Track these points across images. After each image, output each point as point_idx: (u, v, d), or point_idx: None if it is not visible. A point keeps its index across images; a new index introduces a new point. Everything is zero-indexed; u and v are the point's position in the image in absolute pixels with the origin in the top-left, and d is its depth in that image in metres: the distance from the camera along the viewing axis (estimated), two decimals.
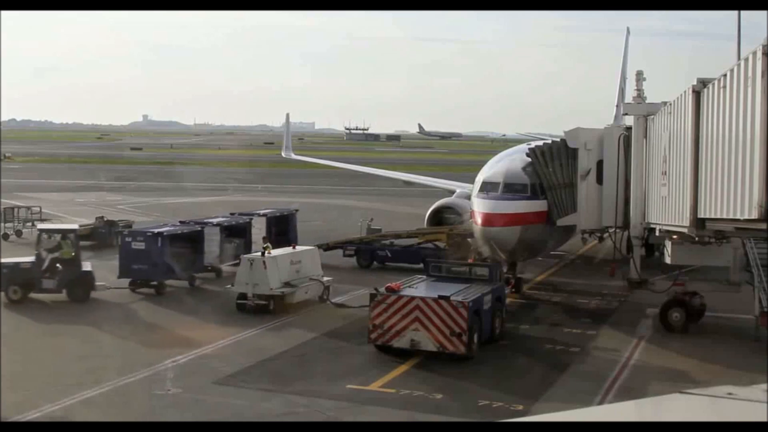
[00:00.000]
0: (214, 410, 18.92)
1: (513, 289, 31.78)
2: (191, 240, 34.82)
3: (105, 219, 46.51)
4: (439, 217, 41.33)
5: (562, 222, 31.37)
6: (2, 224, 45.73)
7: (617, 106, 56.17)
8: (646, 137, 29.60)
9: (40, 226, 36.68)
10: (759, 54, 16.76)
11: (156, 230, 33.88)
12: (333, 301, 30.79)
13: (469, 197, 34.69)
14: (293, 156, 75.31)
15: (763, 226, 17.38)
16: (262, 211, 41.64)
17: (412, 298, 23.62)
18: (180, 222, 37.52)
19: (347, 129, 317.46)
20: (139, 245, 32.23)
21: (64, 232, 31.96)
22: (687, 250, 26.60)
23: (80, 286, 30.44)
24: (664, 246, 28.40)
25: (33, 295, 30.28)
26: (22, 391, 19.94)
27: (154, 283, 32.13)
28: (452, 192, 47.36)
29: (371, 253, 39.32)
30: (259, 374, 21.99)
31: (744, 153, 17.59)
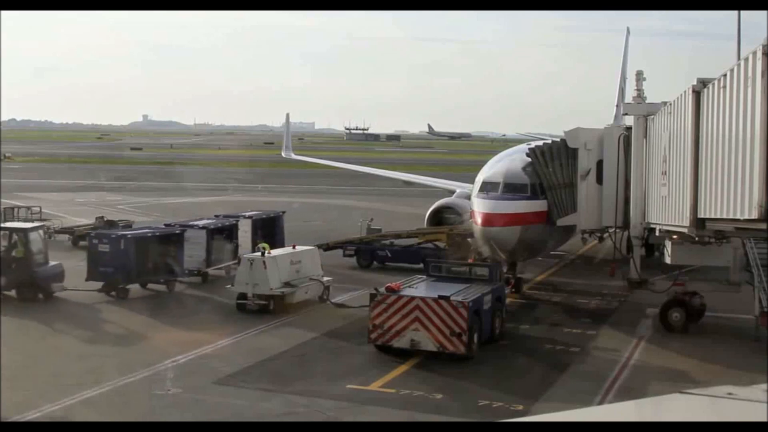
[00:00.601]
0: (214, 410, 18.92)
1: (513, 289, 31.79)
2: (167, 243, 33.71)
3: (105, 219, 46.55)
4: (439, 217, 41.33)
5: (562, 222, 31.37)
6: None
7: (617, 106, 56.16)
8: (646, 137, 29.60)
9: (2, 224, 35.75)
10: (759, 54, 16.76)
11: (122, 233, 33.42)
12: (333, 301, 30.79)
13: (469, 197, 34.69)
14: (293, 156, 75.32)
15: (763, 226, 17.38)
16: (247, 214, 40.59)
17: (412, 298, 23.62)
18: (165, 224, 36.97)
19: (347, 129, 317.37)
20: (104, 247, 31.60)
21: (16, 231, 31.45)
22: (687, 250, 26.60)
23: (31, 286, 30.16)
24: (664, 246, 28.41)
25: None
26: None
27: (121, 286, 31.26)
28: (452, 192, 47.36)
29: (371, 253, 39.32)
30: (259, 374, 21.99)
31: (744, 153, 17.59)
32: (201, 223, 36.44)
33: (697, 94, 22.01)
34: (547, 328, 28.04)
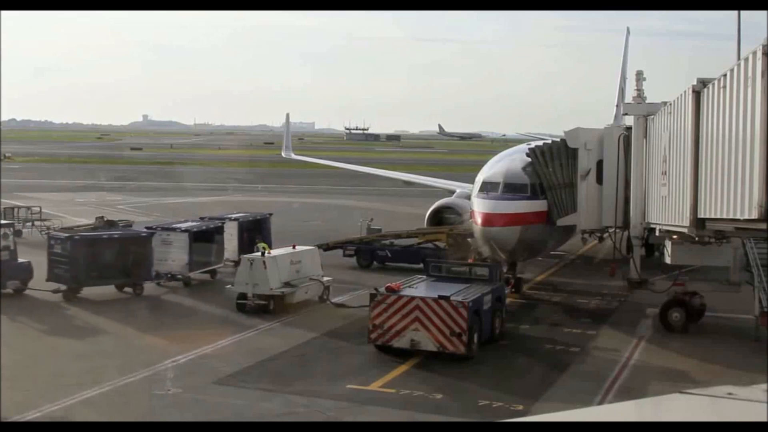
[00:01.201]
0: (214, 410, 18.92)
1: (513, 289, 31.78)
2: (132, 245, 32.91)
3: (105, 219, 46.52)
4: (439, 217, 41.32)
5: (562, 222, 31.37)
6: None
7: (617, 106, 56.16)
8: (646, 137, 29.60)
9: None
10: (759, 54, 16.76)
11: (77, 234, 33.01)
12: (333, 301, 30.79)
13: (469, 197, 34.68)
14: (293, 156, 75.33)
15: (763, 226, 17.38)
16: (234, 215, 39.81)
17: (412, 298, 23.62)
18: (146, 228, 36.46)
19: (347, 129, 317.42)
20: (57, 248, 31.46)
21: None
22: (687, 250, 26.60)
23: None
24: (664, 246, 28.40)
25: None
26: None
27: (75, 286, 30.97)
28: (452, 192, 47.36)
29: (371, 253, 39.31)
30: (259, 374, 21.98)
31: (744, 153, 17.59)
32: (183, 225, 35.49)
33: (697, 94, 22.01)
34: (547, 328, 28.03)
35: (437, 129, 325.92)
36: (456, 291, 24.49)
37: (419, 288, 25.59)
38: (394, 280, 26.03)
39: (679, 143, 23.93)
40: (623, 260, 32.11)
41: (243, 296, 29.26)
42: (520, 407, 19.49)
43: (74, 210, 58.26)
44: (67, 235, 32.75)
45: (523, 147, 34.95)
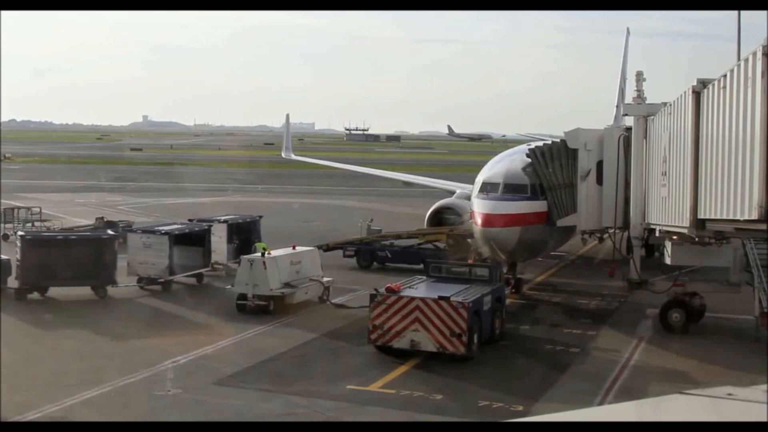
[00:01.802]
0: (214, 410, 18.92)
1: (513, 290, 31.79)
2: (92, 247, 32.35)
3: (105, 219, 46.53)
4: (439, 217, 41.32)
5: (562, 222, 31.37)
6: (2, 225, 45.67)
7: (617, 106, 56.14)
8: (646, 138, 29.59)
9: None
10: (759, 54, 16.76)
11: (29, 234, 32.76)
12: (333, 301, 30.79)
13: (469, 198, 34.69)
14: (293, 156, 75.33)
15: (763, 226, 17.37)
16: (223, 217, 38.85)
17: (412, 298, 23.62)
18: (126, 228, 35.94)
19: (347, 129, 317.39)
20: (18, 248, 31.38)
21: None
22: (687, 251, 26.60)
23: None
24: (664, 246, 28.40)
25: None
26: None
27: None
28: (452, 192, 47.35)
29: (371, 254, 39.31)
30: (259, 375, 21.99)
31: (744, 153, 17.59)
32: (164, 228, 34.73)
33: (697, 94, 22.01)
34: (547, 329, 28.03)
35: (436, 129, 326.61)
36: (456, 292, 24.49)
37: (419, 288, 25.59)
38: (394, 281, 26.04)
39: (679, 144, 23.93)
40: (623, 261, 32.10)
41: (243, 297, 29.27)
42: (520, 408, 19.49)
43: (74, 210, 58.24)
44: (21, 234, 32.63)
45: (523, 147, 34.96)
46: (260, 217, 40.55)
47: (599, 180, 31.36)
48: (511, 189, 30.57)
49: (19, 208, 49.44)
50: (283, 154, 74.35)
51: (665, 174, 25.77)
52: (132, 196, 74.02)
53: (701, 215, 21.80)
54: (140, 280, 32.92)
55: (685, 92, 23.05)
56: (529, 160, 31.42)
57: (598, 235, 35.14)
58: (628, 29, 67.44)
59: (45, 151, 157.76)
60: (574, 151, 31.56)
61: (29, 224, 46.57)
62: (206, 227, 36.29)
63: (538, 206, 30.65)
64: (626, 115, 32.01)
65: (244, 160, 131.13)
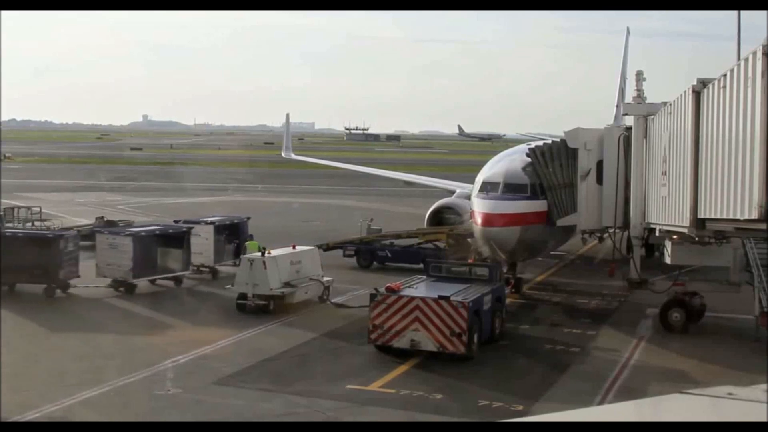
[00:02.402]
0: (213, 410, 18.91)
1: (513, 289, 31.79)
2: (33, 247, 31.78)
3: (105, 219, 46.54)
4: (439, 217, 41.32)
5: (562, 222, 31.36)
6: (2, 224, 45.67)
7: (617, 106, 56.13)
8: (646, 137, 29.58)
9: None
10: (759, 54, 16.76)
11: None
12: (333, 301, 30.78)
13: (469, 197, 34.68)
14: (293, 156, 75.36)
15: (763, 226, 17.37)
16: (210, 219, 37.68)
17: (412, 298, 23.62)
18: (96, 229, 35.45)
19: (347, 129, 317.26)
20: None
21: None
22: (687, 251, 26.59)
23: None
24: (664, 246, 28.40)
25: None
26: None
27: None
28: (452, 192, 47.36)
29: (371, 254, 39.31)
30: (259, 374, 21.98)
31: (744, 153, 17.59)
32: (132, 229, 34.11)
33: (697, 94, 22.01)
34: (547, 329, 28.03)
35: (436, 129, 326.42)
36: (456, 291, 24.49)
37: (419, 288, 25.58)
38: (394, 280, 26.03)
39: (679, 143, 23.93)
40: (623, 260, 32.08)
41: (243, 296, 29.27)
42: (520, 407, 19.49)
43: (74, 210, 58.22)
44: None
45: (523, 147, 34.95)
46: (248, 218, 39.55)
47: (599, 179, 31.33)
48: (511, 188, 30.56)
49: (19, 207, 49.48)
50: (283, 154, 74.37)
51: (665, 173, 25.76)
52: (132, 196, 74.02)
53: (701, 215, 21.80)
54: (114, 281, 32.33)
55: (685, 92, 23.05)
56: (529, 159, 31.41)
57: (598, 234, 35.11)
58: (628, 29, 67.49)
59: (45, 151, 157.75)
60: (574, 151, 31.54)
61: (29, 224, 46.60)
62: (185, 229, 35.06)
63: (538, 206, 30.64)
64: (626, 114, 32.00)
65: (244, 160, 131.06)
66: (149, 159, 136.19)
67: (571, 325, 28.37)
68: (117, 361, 22.90)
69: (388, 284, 24.72)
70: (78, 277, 32.26)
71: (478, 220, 29.88)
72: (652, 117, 28.95)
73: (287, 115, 77.74)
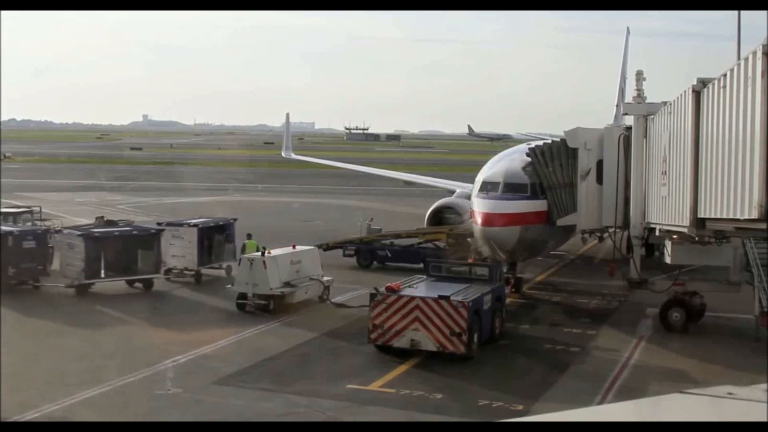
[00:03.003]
0: (213, 410, 18.91)
1: (513, 289, 31.80)
2: None
3: (105, 219, 46.46)
4: (439, 217, 41.32)
5: (562, 222, 31.35)
6: (2, 224, 45.60)
7: (617, 106, 56.16)
8: (646, 137, 29.58)
9: None
10: (759, 54, 16.77)
11: None
12: (333, 301, 30.78)
13: (469, 197, 34.68)
14: (293, 156, 75.36)
15: (763, 226, 17.38)
16: (193, 220, 36.35)
17: (412, 298, 23.61)
18: (53, 230, 35.22)
19: (347, 129, 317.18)
20: None
21: None
22: (687, 250, 26.59)
23: None
24: (664, 246, 28.39)
25: None
26: None
27: None
28: (452, 192, 47.36)
29: (371, 253, 39.31)
30: (259, 374, 21.98)
31: (744, 153, 17.59)
32: (86, 230, 33.50)
33: (697, 94, 22.01)
34: (547, 328, 28.03)
35: (436, 129, 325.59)
36: (456, 291, 24.49)
37: (419, 288, 25.58)
38: (394, 280, 26.02)
39: (679, 143, 23.93)
40: (623, 260, 32.08)
41: (243, 296, 29.28)
42: (520, 407, 19.49)
43: (74, 210, 58.21)
44: None
45: (523, 147, 34.95)
46: (235, 219, 38.29)
47: (599, 179, 31.33)
48: (511, 188, 30.55)
49: (18, 207, 49.41)
50: (283, 154, 74.36)
51: (665, 173, 25.76)
52: (132, 196, 74.02)
53: (701, 214, 21.80)
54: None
55: (685, 92, 23.05)
56: (529, 159, 31.41)
57: (598, 234, 35.14)
58: (628, 29, 67.53)
59: (45, 151, 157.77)
60: (574, 151, 31.54)
61: (29, 223, 46.52)
62: (153, 231, 34.29)
63: (538, 205, 30.64)
64: (626, 114, 32.01)
65: (244, 160, 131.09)
66: (149, 159, 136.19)
67: (571, 325, 28.37)
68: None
69: (388, 284, 24.72)
70: (47, 275, 32.18)
71: (478, 219, 29.87)
72: (652, 117, 28.95)
73: (287, 115, 77.72)
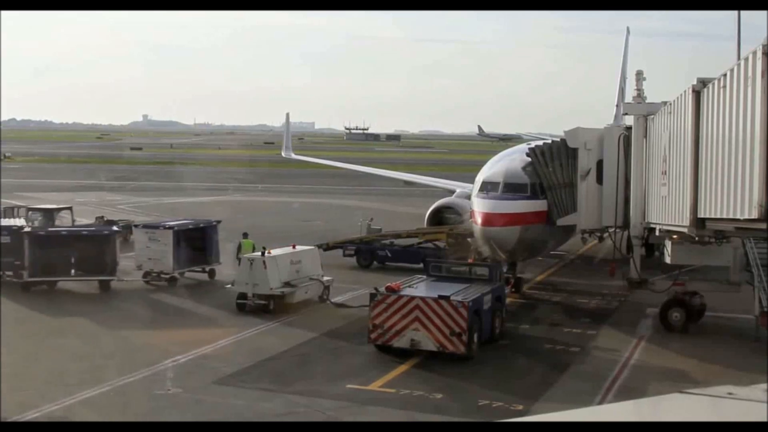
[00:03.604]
0: (213, 410, 18.91)
1: (513, 289, 31.79)
2: None
3: (105, 219, 46.51)
4: (439, 216, 41.32)
5: (562, 222, 31.35)
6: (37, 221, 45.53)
7: (617, 106, 56.15)
8: (646, 137, 29.58)
9: None
10: (759, 54, 16.76)
11: None
12: (333, 300, 30.78)
13: (469, 197, 34.68)
14: (293, 156, 75.35)
15: (763, 226, 17.37)
16: (170, 222, 35.44)
17: (412, 297, 23.61)
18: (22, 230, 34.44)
19: (347, 129, 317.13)
20: None
21: None
22: (687, 250, 26.59)
23: None
24: (664, 246, 28.39)
25: None
26: None
27: None
28: (452, 192, 47.36)
29: (371, 253, 39.30)
30: (259, 374, 21.97)
31: (744, 153, 17.59)
32: (17, 224, 33.19)
33: (697, 94, 22.00)
34: (547, 328, 28.03)
35: (436, 129, 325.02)
36: (456, 291, 24.49)
37: (419, 288, 25.58)
38: (394, 280, 26.02)
39: (679, 143, 23.93)
40: (623, 260, 32.07)
41: (243, 296, 29.27)
42: (520, 407, 19.49)
43: (74, 210, 58.06)
44: None
45: (523, 147, 34.96)
46: (218, 222, 37.06)
47: (599, 179, 31.33)
48: (511, 188, 30.55)
49: (19, 207, 49.43)
50: (283, 154, 74.35)
51: (665, 173, 25.76)
52: (132, 196, 74.01)
53: (701, 214, 21.80)
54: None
55: (685, 91, 23.04)
56: (529, 159, 31.41)
57: (598, 234, 35.13)
58: (628, 29, 67.52)
59: (45, 151, 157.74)
60: (574, 151, 31.53)
61: (29, 223, 46.51)
62: (106, 231, 33.84)
63: (538, 205, 30.64)
64: (626, 114, 32.00)
65: (244, 160, 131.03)
66: (149, 159, 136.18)
67: (571, 325, 28.37)
68: None
69: (388, 284, 24.72)
70: (24, 269, 31.79)
71: (478, 219, 29.87)
72: (652, 117, 28.94)
73: (287, 115, 77.71)
